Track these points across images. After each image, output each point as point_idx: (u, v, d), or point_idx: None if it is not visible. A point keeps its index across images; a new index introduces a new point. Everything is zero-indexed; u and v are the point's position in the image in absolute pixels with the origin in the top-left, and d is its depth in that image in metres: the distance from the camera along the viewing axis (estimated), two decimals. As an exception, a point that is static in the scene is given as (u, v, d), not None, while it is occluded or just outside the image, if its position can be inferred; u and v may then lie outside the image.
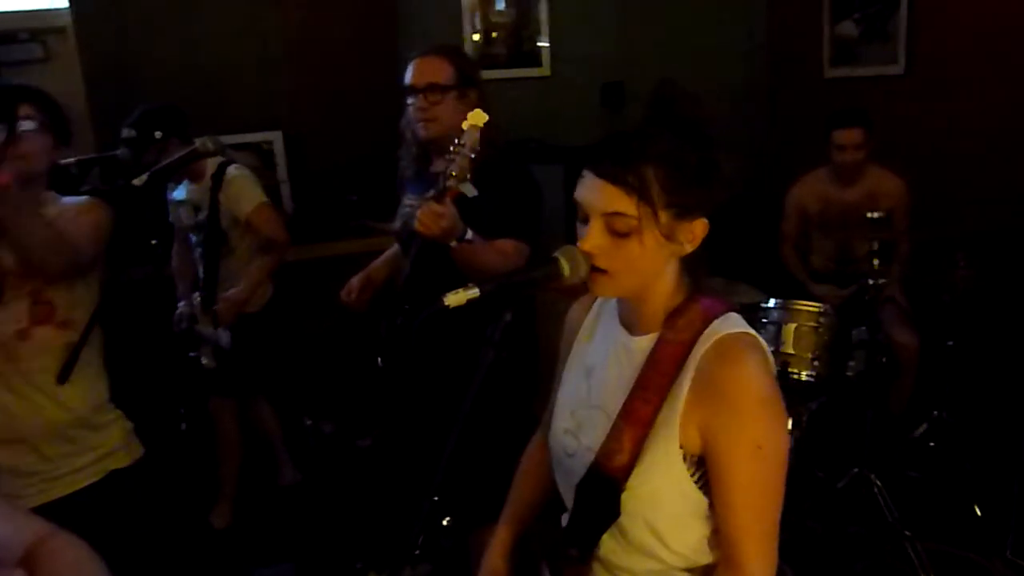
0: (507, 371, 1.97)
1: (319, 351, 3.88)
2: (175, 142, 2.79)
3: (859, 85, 4.15)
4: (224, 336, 2.86)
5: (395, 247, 2.47)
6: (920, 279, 3.41)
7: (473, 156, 1.78)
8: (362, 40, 4.14)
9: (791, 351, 2.84)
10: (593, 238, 1.14)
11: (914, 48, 3.91)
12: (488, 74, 4.37)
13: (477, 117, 1.79)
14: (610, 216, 1.12)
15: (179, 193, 3.04)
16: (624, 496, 1.16)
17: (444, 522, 1.81)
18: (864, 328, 2.95)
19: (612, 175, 1.11)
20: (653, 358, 1.17)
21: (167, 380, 3.11)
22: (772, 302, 2.95)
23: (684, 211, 1.14)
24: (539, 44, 4.45)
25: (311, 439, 3.73)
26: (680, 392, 1.14)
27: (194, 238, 3.07)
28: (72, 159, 2.60)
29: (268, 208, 2.96)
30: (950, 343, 3.25)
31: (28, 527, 1.13)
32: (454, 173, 1.78)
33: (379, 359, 2.29)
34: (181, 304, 3.11)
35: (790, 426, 2.81)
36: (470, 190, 1.81)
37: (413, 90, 2.09)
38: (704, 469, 1.15)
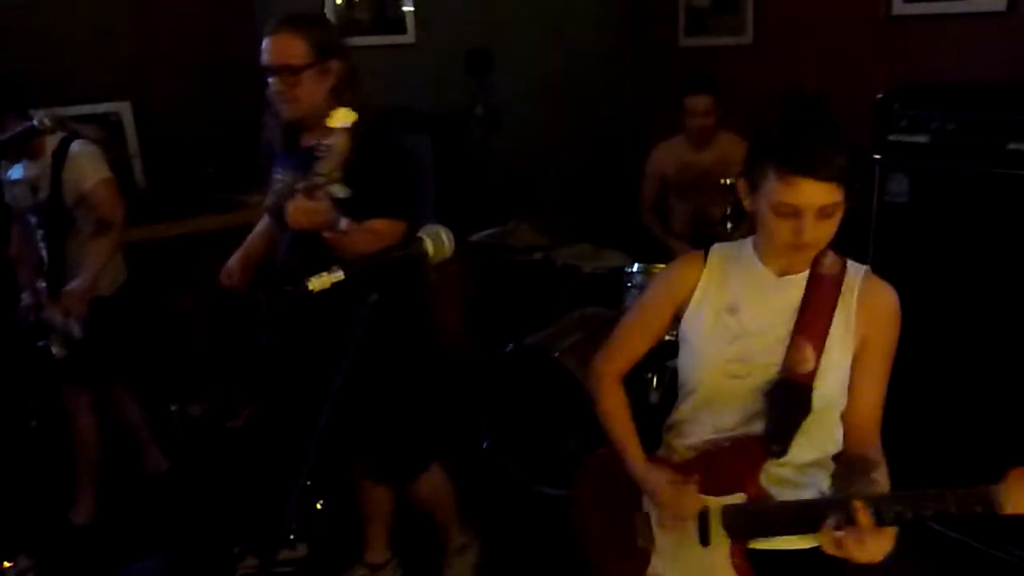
0: (386, 349, 2.01)
1: (183, 332, 3.72)
2: (12, 117, 2.57)
3: (711, 54, 4.33)
4: (75, 327, 2.68)
5: (266, 220, 2.40)
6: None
7: (343, 156, 1.73)
8: (214, 2, 3.93)
9: (654, 312, 2.97)
10: (813, 232, 1.39)
11: (761, 19, 4.13)
12: (352, 41, 4.33)
13: (344, 116, 1.72)
14: (822, 208, 1.36)
15: (15, 172, 2.81)
16: (813, 395, 1.44)
17: (318, 506, 1.81)
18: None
19: (824, 175, 1.34)
20: (813, 286, 1.48)
21: (13, 373, 2.90)
22: (636, 266, 3.08)
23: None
24: (404, 9, 4.37)
25: (179, 424, 3.60)
26: (848, 310, 1.47)
27: (33, 220, 2.86)
28: None
29: (107, 185, 2.77)
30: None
31: None
32: (322, 173, 1.71)
33: (262, 337, 2.27)
34: (24, 294, 2.90)
35: (655, 384, 2.96)
36: (341, 191, 1.77)
37: (268, 71, 2.00)
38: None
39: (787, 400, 1.45)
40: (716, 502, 1.50)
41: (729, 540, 1.49)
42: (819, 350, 1.44)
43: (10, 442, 3.28)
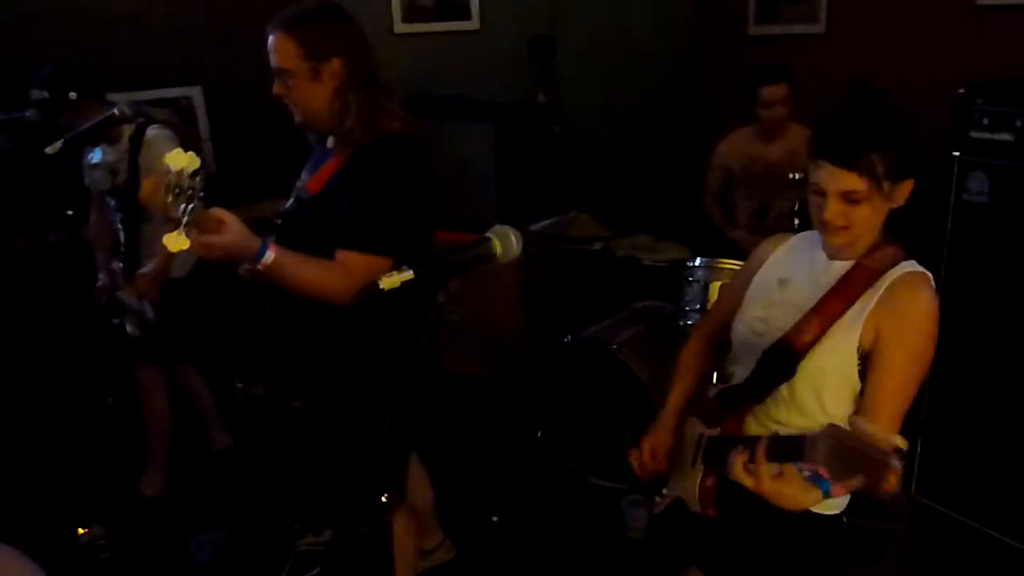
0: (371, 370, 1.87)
1: (247, 313, 3.81)
2: (91, 103, 2.66)
3: (781, 43, 4.22)
4: (148, 309, 2.77)
5: None
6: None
7: (189, 204, 1.48)
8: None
9: (716, 308, 2.93)
10: (833, 212, 1.47)
11: (835, 7, 4.00)
12: (416, 27, 4.36)
13: (176, 160, 1.49)
14: (843, 193, 1.45)
15: (95, 156, 2.91)
16: (801, 364, 1.55)
17: (383, 499, 1.83)
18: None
19: (843, 162, 1.43)
20: (850, 274, 1.55)
21: (89, 350, 3.02)
22: (698, 261, 3.03)
23: (898, 176, 1.47)
24: (468, -4, 4.36)
25: (243, 403, 3.69)
26: (870, 301, 1.51)
27: (112, 203, 2.96)
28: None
29: None
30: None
31: None
32: (172, 216, 1.49)
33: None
34: (101, 274, 3.01)
35: (715, 380, 2.92)
36: (179, 244, 1.49)
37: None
38: (865, 364, 1.52)
39: (775, 359, 1.58)
40: (707, 433, 1.70)
41: (703, 466, 1.67)
42: (823, 328, 1.53)
43: (87, 418, 3.42)
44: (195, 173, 1.50)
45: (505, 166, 3.87)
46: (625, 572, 2.66)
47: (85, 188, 3.03)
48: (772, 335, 1.62)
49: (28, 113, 2.61)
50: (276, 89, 1.86)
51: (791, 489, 1.32)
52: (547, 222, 3.59)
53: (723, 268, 2.97)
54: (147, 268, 2.82)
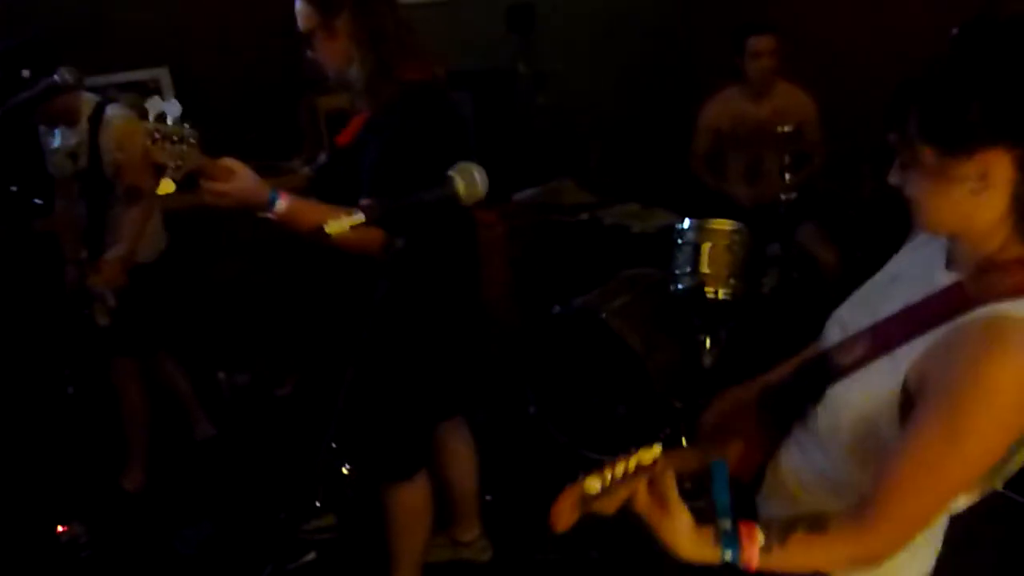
0: (424, 305, 1.91)
1: (229, 300, 3.72)
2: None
3: (768, 3, 4.11)
4: (109, 295, 2.66)
5: None
6: (829, 191, 3.46)
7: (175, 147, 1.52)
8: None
9: (707, 271, 2.84)
10: (891, 172, 1.13)
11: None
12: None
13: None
14: (895, 150, 1.10)
15: (54, 141, 2.79)
16: (829, 390, 1.19)
17: (344, 470, 1.74)
18: (777, 244, 2.97)
19: (886, 114, 1.08)
20: (937, 296, 1.11)
21: (55, 341, 2.92)
22: (687, 222, 2.93)
23: (953, 146, 1.03)
24: (442, -35, 4.24)
25: (226, 392, 3.60)
26: (929, 339, 1.08)
27: (76, 188, 2.84)
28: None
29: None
30: (859, 254, 3.32)
31: None
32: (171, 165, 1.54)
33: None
34: (68, 267, 2.91)
35: (708, 346, 2.83)
36: (165, 188, 1.58)
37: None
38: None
39: (810, 372, 1.27)
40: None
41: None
42: (867, 356, 1.16)
43: (47, 409, 3.32)
44: (179, 120, 1.53)
45: (485, 136, 3.77)
46: (623, 546, 2.58)
47: (49, 177, 2.92)
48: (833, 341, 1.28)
49: (-23, 93, 2.49)
50: (309, 54, 1.90)
51: (671, 527, 1.11)
52: (531, 191, 3.49)
53: (714, 229, 2.88)
54: (112, 253, 2.71)
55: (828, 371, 1.20)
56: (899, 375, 1.10)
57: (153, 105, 1.50)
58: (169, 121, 1.50)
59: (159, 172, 1.54)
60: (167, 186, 1.55)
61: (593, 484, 1.13)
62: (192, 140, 1.54)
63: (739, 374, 1.62)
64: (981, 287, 1.06)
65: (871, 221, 3.25)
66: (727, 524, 1.10)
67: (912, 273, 1.23)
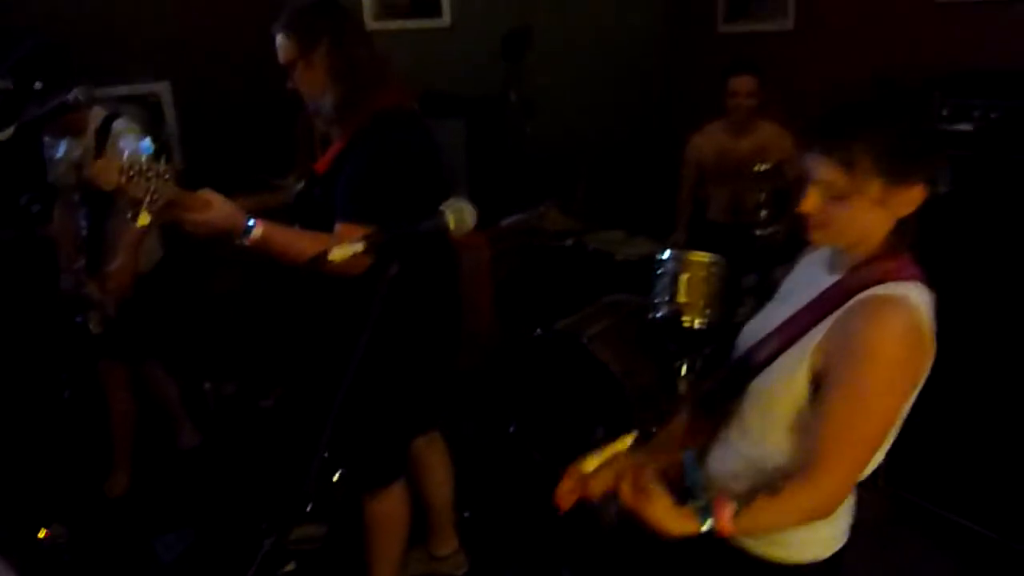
0: (408, 325, 2.00)
1: (218, 312, 3.78)
2: (60, 95, 2.60)
3: (751, 40, 4.26)
4: (109, 305, 2.73)
5: None
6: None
7: (149, 184, 1.61)
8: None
9: (685, 300, 2.93)
10: (807, 202, 1.31)
11: (802, 4, 4.04)
12: (388, 24, 4.35)
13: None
14: (821, 184, 1.28)
15: (59, 151, 2.85)
16: (750, 385, 1.41)
17: (334, 478, 1.81)
18: (754, 275, 3.08)
19: (823, 148, 1.27)
20: (824, 293, 1.35)
21: (49, 346, 2.97)
22: (667, 253, 3.03)
23: (893, 177, 1.26)
24: (440, -7, 4.35)
25: (211, 402, 3.65)
26: (824, 326, 1.32)
27: (77, 198, 2.90)
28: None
29: None
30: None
31: None
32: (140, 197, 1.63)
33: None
34: (64, 275, 2.96)
35: (684, 372, 2.93)
36: (142, 220, 1.65)
37: None
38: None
39: (732, 373, 1.48)
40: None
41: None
42: (782, 346, 1.38)
43: (44, 412, 3.36)
44: (157, 155, 1.63)
45: (476, 162, 3.87)
46: (598, 564, 2.65)
47: (50, 185, 2.98)
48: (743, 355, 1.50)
49: (-11, 105, 2.55)
50: (289, 85, 1.98)
51: (655, 510, 1.29)
52: (518, 216, 3.59)
53: (693, 260, 2.97)
54: (117, 263, 2.76)
55: (748, 370, 1.41)
56: (807, 357, 1.32)
57: (127, 143, 1.59)
58: (143, 158, 1.60)
59: (135, 206, 1.63)
60: (144, 218, 1.63)
61: (590, 463, 1.42)
62: (166, 175, 1.63)
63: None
64: (859, 279, 1.31)
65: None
66: (702, 500, 1.31)
67: (802, 284, 1.47)
